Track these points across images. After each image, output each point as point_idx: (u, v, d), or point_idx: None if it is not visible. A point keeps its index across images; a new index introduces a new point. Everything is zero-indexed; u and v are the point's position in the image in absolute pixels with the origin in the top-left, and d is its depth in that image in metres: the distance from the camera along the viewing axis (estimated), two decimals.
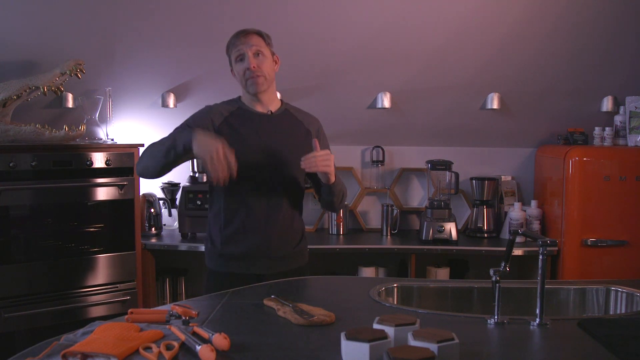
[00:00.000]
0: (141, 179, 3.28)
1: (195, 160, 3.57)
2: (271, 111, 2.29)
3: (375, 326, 1.43)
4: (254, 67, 2.19)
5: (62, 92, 3.09)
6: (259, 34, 2.25)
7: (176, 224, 3.63)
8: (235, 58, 2.23)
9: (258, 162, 2.20)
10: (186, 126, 2.23)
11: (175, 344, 1.43)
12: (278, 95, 2.59)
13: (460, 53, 3.32)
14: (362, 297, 1.99)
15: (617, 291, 2.14)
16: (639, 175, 3.21)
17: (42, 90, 2.97)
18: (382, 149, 3.78)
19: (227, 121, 2.23)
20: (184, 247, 3.38)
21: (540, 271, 1.70)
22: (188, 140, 2.02)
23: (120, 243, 3.20)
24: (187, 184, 3.57)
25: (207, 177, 2.04)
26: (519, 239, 3.37)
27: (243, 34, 2.22)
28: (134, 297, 3.21)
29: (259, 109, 2.28)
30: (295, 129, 2.30)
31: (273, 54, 2.29)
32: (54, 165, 3.01)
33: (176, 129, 2.25)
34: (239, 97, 2.34)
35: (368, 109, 3.61)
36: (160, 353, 1.38)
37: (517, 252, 3.29)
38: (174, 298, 3.64)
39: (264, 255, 2.24)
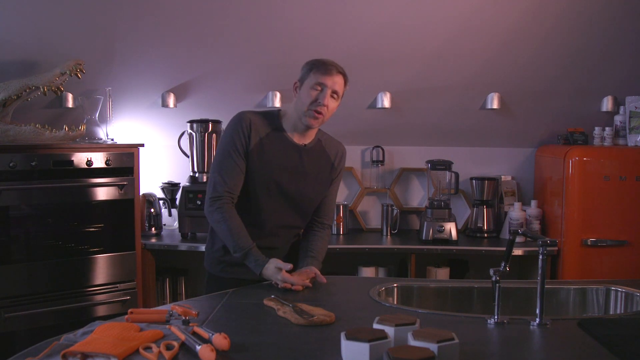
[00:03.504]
0: (141, 179, 3.30)
1: (195, 159, 3.57)
2: (305, 144, 2.28)
3: (375, 326, 1.43)
4: (325, 105, 2.17)
5: (62, 92, 3.10)
6: (345, 77, 2.22)
7: (176, 224, 3.63)
8: (314, 84, 2.17)
9: (278, 186, 2.22)
10: (231, 152, 2.18)
11: (175, 344, 1.43)
12: None
13: (460, 53, 3.32)
14: (362, 297, 1.99)
15: (617, 291, 2.15)
16: (639, 175, 3.21)
17: (42, 90, 2.97)
18: (382, 149, 3.78)
19: (261, 142, 2.21)
20: (184, 247, 3.38)
21: (540, 271, 1.70)
22: (257, 272, 2.13)
23: (120, 243, 3.20)
24: (187, 183, 3.56)
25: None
26: (519, 239, 3.37)
27: (335, 72, 2.17)
28: (134, 297, 3.21)
29: (296, 139, 2.26)
30: (321, 161, 2.31)
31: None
32: (54, 165, 3.01)
33: (220, 153, 2.22)
34: (279, 111, 2.31)
35: (368, 109, 3.61)
36: (160, 353, 1.39)
37: (517, 252, 3.29)
38: (174, 298, 3.64)
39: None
